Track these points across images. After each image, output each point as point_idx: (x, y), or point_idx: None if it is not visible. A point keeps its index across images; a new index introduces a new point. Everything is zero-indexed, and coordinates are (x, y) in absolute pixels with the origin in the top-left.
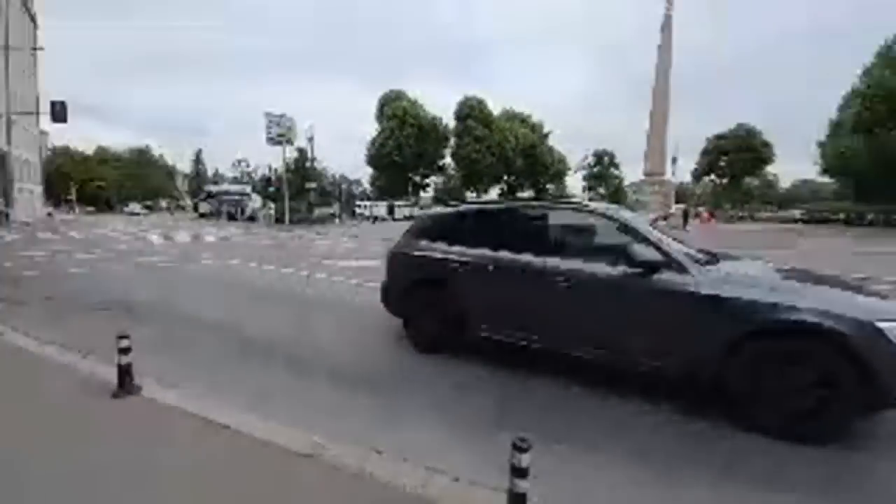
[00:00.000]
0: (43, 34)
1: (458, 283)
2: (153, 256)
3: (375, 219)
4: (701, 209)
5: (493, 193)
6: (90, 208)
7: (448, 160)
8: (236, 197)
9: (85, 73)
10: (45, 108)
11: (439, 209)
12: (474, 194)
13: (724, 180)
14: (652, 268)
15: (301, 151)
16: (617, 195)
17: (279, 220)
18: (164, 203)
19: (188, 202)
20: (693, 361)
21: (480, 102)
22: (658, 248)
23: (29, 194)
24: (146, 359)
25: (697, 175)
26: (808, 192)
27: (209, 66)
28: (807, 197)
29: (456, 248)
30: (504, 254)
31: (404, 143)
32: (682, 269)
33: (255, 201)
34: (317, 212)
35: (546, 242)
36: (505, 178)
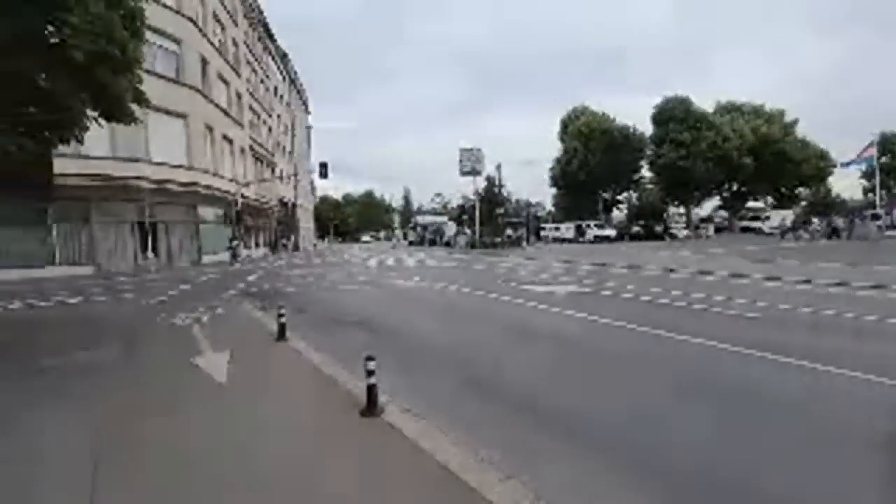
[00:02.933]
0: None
1: None
2: (396, 279)
3: (563, 241)
4: None
5: (709, 206)
6: (338, 238)
7: (645, 172)
8: (435, 226)
9: (338, 137)
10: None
11: None
12: (679, 208)
13: None
14: None
15: (489, 180)
16: None
17: (472, 245)
18: (381, 234)
19: (399, 231)
20: None
21: (683, 101)
22: None
23: (306, 231)
24: (390, 379)
25: None
26: None
27: (419, 118)
28: None
29: None
30: None
31: (591, 159)
32: None
33: (451, 228)
34: (505, 236)
35: None
36: (726, 185)
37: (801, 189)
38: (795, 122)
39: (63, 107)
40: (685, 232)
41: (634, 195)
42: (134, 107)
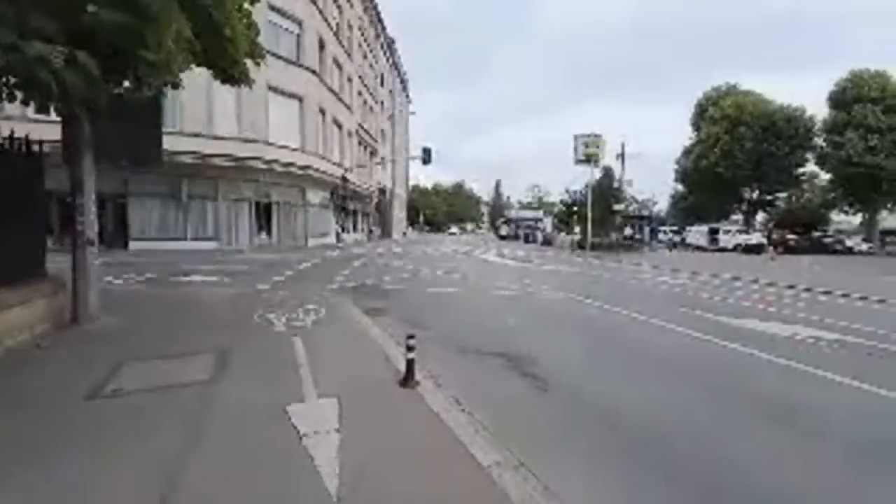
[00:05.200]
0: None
1: None
2: (519, 285)
3: (697, 248)
4: None
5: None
6: (427, 227)
7: (810, 167)
8: (531, 221)
9: (433, 126)
10: (409, 154)
11: None
12: (856, 213)
13: None
14: None
15: (607, 171)
16: None
17: (581, 245)
18: (468, 226)
19: (486, 225)
20: None
21: (879, 76)
22: None
23: (398, 219)
24: None
25: None
26: None
27: (511, 112)
28: None
29: None
30: None
31: (738, 149)
32: None
33: (547, 225)
34: (623, 237)
35: None
36: None
37: None
38: None
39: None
40: (865, 245)
41: (788, 196)
42: (252, 75)
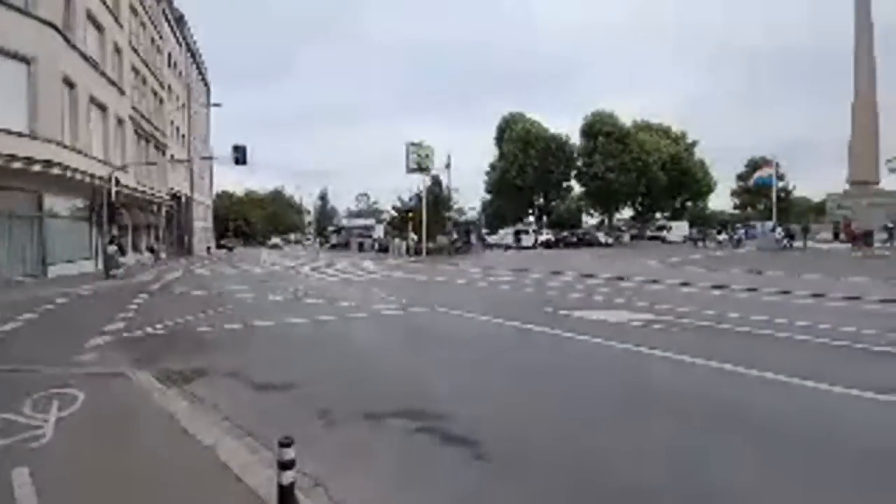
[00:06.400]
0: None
1: None
2: (367, 301)
3: (508, 247)
4: None
5: (625, 214)
6: (238, 241)
7: (573, 182)
8: (363, 230)
9: (239, 126)
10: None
11: None
12: (599, 217)
13: None
14: None
15: (435, 179)
16: (787, 213)
17: (417, 251)
18: (292, 237)
19: (311, 235)
20: None
21: (611, 116)
22: None
23: (203, 232)
24: None
25: None
26: None
27: (338, 116)
28: None
29: None
30: None
31: (528, 165)
32: None
33: (380, 231)
34: (455, 241)
35: None
36: (640, 197)
37: (689, 203)
38: (695, 143)
39: None
40: (609, 239)
41: (560, 204)
42: None
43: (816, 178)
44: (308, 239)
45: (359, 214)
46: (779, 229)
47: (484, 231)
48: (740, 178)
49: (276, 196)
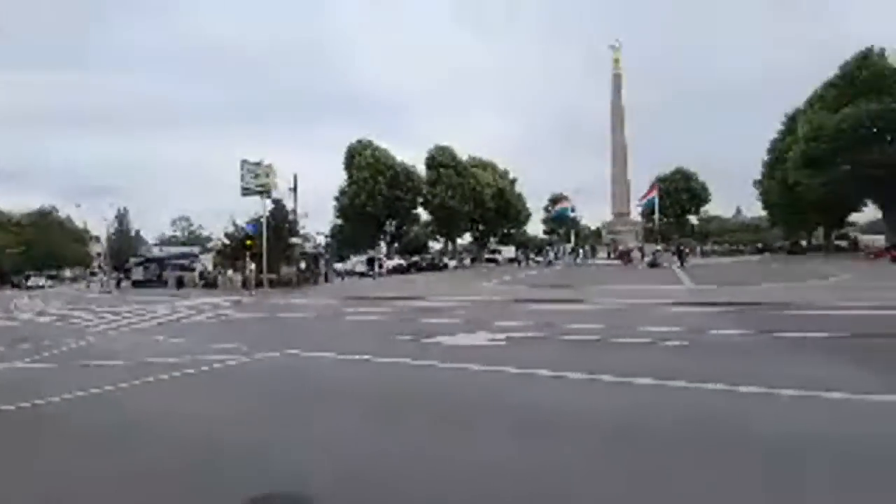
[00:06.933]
0: None
1: None
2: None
3: (362, 275)
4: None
5: (467, 239)
6: None
7: (420, 210)
8: (183, 261)
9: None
10: None
11: None
12: (446, 243)
13: (670, 219)
14: None
15: (278, 203)
16: (578, 237)
17: (258, 284)
18: (68, 273)
19: (104, 269)
20: None
21: (450, 150)
22: None
23: None
24: None
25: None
26: (718, 226)
27: (130, 121)
28: (719, 231)
29: None
30: None
31: (378, 191)
32: None
33: (206, 263)
34: (302, 271)
35: None
36: (478, 225)
37: (514, 230)
38: (515, 179)
39: None
40: (453, 262)
41: (409, 230)
42: None
43: (597, 210)
44: (97, 273)
45: (176, 242)
46: (580, 250)
47: (335, 259)
48: (545, 209)
49: (42, 218)
